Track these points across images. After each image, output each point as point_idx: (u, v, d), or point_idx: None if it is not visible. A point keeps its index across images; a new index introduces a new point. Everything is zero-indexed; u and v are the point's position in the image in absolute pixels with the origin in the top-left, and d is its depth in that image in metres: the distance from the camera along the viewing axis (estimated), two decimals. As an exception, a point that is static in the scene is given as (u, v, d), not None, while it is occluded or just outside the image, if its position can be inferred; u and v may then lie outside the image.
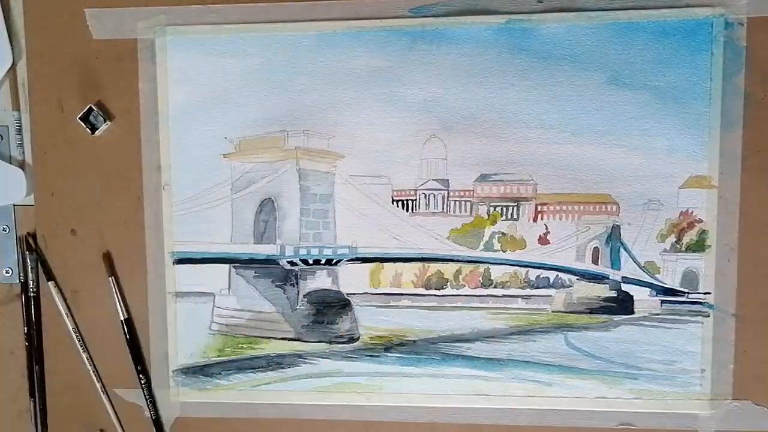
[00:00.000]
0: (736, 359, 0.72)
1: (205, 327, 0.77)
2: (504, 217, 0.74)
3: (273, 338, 0.77)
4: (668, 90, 0.70)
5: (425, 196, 0.74)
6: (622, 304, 0.73)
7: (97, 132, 0.75)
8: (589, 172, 0.72)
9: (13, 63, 0.76)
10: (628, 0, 0.70)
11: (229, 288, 0.77)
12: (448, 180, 0.73)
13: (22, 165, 0.77)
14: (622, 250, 0.73)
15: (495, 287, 0.74)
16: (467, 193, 0.74)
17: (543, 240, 0.74)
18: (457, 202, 0.74)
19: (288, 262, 0.76)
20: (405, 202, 0.74)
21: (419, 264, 0.75)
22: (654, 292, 0.73)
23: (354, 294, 0.76)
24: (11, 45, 0.76)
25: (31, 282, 0.77)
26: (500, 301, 0.74)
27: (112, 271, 0.77)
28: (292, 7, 0.73)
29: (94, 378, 0.78)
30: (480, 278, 0.74)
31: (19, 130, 0.77)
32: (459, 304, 0.75)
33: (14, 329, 0.79)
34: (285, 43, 0.73)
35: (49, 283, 0.77)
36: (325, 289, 0.76)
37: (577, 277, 0.74)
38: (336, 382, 0.76)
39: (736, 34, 0.69)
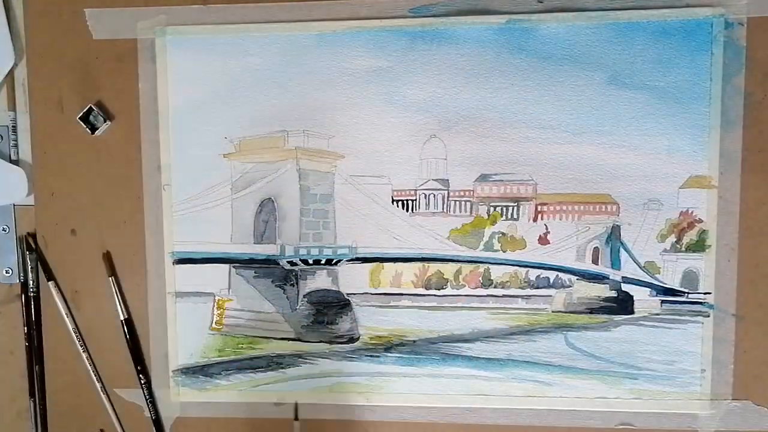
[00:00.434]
0: (736, 359, 0.72)
1: (205, 327, 0.77)
2: (504, 217, 0.74)
3: (273, 338, 0.77)
4: (668, 90, 0.70)
5: (425, 196, 0.74)
6: (622, 304, 0.73)
7: (97, 132, 0.75)
8: (589, 172, 0.72)
9: (14, 63, 0.76)
10: (628, 0, 0.70)
11: (229, 288, 0.77)
12: (448, 180, 0.73)
13: (17, 165, 0.77)
14: (622, 250, 0.73)
15: (495, 287, 0.74)
16: (467, 193, 0.74)
17: (543, 240, 0.74)
18: (457, 202, 0.74)
19: (288, 262, 0.76)
20: (405, 202, 0.74)
21: (419, 264, 0.75)
22: (654, 292, 0.73)
23: (354, 294, 0.76)
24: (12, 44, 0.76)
25: (31, 282, 0.77)
26: (500, 301, 0.74)
27: (112, 271, 0.77)
28: (292, 7, 0.73)
29: (94, 378, 0.78)
30: (480, 278, 0.74)
31: (15, 130, 0.77)
32: (459, 304, 0.75)
33: (14, 329, 0.79)
34: (285, 43, 0.73)
35: (49, 283, 0.77)
36: (325, 289, 0.76)
37: (577, 277, 0.74)
38: (336, 382, 0.76)
39: (736, 34, 0.69)
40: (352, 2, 0.72)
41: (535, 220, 0.73)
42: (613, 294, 0.74)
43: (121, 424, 0.79)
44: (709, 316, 0.72)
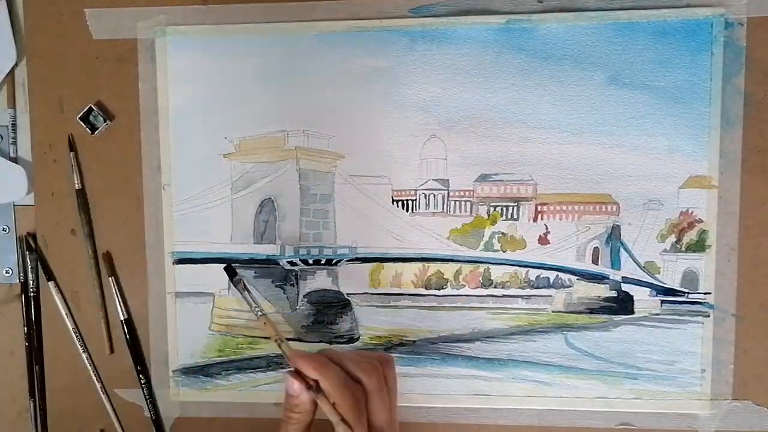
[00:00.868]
0: (736, 359, 0.72)
1: (205, 327, 0.77)
2: (504, 217, 0.74)
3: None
4: (668, 90, 0.70)
5: (425, 196, 0.74)
6: (622, 304, 0.73)
7: (97, 132, 0.75)
8: (589, 172, 0.72)
9: (15, 62, 0.76)
10: (628, 0, 0.70)
11: (229, 288, 0.77)
12: (448, 180, 0.73)
13: (16, 163, 0.77)
14: (622, 250, 0.73)
15: (495, 287, 0.74)
16: (467, 193, 0.74)
17: (543, 240, 0.74)
18: (457, 202, 0.74)
19: (288, 262, 0.76)
20: (405, 202, 0.74)
21: (419, 264, 0.75)
22: (654, 292, 0.73)
23: (354, 294, 0.76)
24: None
25: (31, 282, 0.77)
26: (500, 301, 0.74)
27: (112, 271, 0.77)
28: (292, 7, 0.73)
29: (94, 378, 0.78)
30: (480, 278, 0.74)
31: (15, 129, 0.77)
32: (459, 304, 0.75)
33: (14, 329, 0.79)
34: (285, 43, 0.73)
35: (49, 283, 0.77)
36: (325, 289, 0.76)
37: (577, 277, 0.74)
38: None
39: (736, 34, 0.69)
40: (352, 2, 0.72)
41: (535, 220, 0.73)
42: (613, 294, 0.74)
43: (121, 424, 0.79)
44: (709, 316, 0.72)
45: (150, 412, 0.78)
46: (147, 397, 0.77)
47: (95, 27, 0.74)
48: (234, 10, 0.73)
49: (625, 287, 0.74)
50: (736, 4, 0.68)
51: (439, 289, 0.75)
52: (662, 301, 0.73)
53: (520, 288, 0.74)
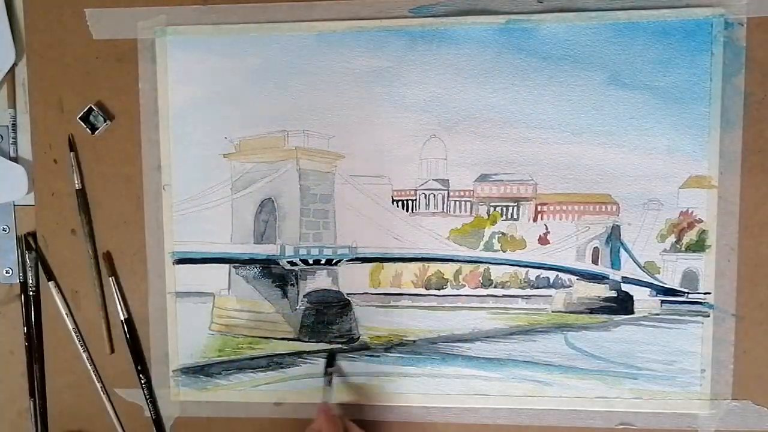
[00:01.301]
0: (736, 359, 0.72)
1: (205, 327, 0.77)
2: (504, 217, 0.74)
3: (273, 338, 0.77)
4: (668, 90, 0.70)
5: (425, 196, 0.74)
6: (622, 304, 0.73)
7: (97, 132, 0.75)
8: (589, 172, 0.72)
9: (14, 62, 0.76)
10: (628, 0, 0.70)
11: (229, 288, 0.77)
12: (448, 180, 0.73)
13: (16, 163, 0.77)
14: (622, 250, 0.73)
15: (495, 287, 0.74)
16: (467, 193, 0.74)
17: (543, 240, 0.74)
18: (457, 202, 0.74)
19: (288, 262, 0.76)
20: (405, 202, 0.74)
21: (419, 264, 0.75)
22: (654, 292, 0.73)
23: (354, 294, 0.76)
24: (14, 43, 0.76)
25: (31, 282, 0.77)
26: (500, 301, 0.74)
27: (112, 271, 0.77)
28: (292, 7, 0.73)
29: (94, 378, 0.78)
30: (480, 278, 0.74)
31: (15, 128, 0.77)
32: (459, 304, 0.75)
33: (14, 329, 0.79)
34: (285, 43, 0.73)
35: (49, 283, 0.77)
36: (325, 289, 0.76)
37: (577, 277, 0.74)
38: (336, 382, 0.76)
39: (736, 34, 0.69)
40: (352, 2, 0.72)
41: (535, 220, 0.73)
42: (613, 294, 0.74)
43: (121, 424, 0.79)
44: (709, 316, 0.72)
45: (150, 412, 0.78)
46: (147, 397, 0.77)
47: (95, 27, 0.74)
48: (234, 10, 0.73)
49: (625, 287, 0.74)
50: (736, 4, 0.68)
51: (439, 289, 0.75)
52: (662, 301, 0.73)
53: (520, 288, 0.74)
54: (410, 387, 0.76)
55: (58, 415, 0.79)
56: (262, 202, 0.76)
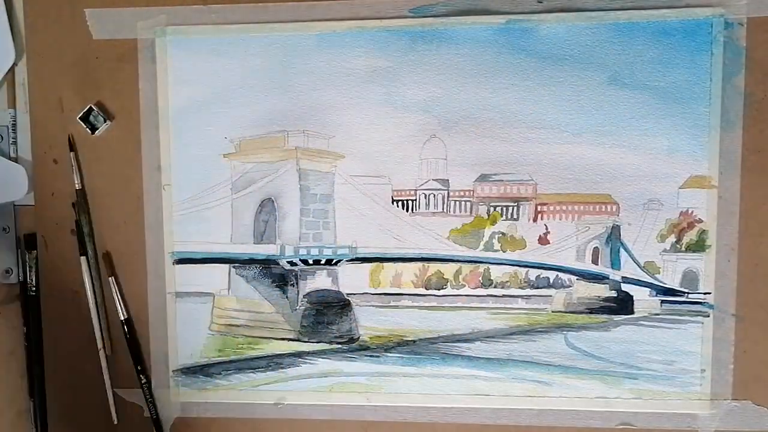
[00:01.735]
0: (736, 359, 0.72)
1: (205, 327, 0.77)
2: (504, 217, 0.74)
3: (273, 338, 0.77)
4: (668, 90, 0.70)
5: (425, 196, 0.74)
6: (622, 304, 0.73)
7: (97, 132, 0.75)
8: (589, 172, 0.72)
9: (14, 62, 0.76)
10: (628, 0, 0.70)
11: (228, 288, 0.77)
12: (448, 180, 0.73)
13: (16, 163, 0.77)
14: (622, 250, 0.73)
15: (495, 287, 0.74)
16: (467, 193, 0.74)
17: (543, 240, 0.74)
18: (457, 202, 0.74)
19: (288, 262, 0.76)
20: (405, 202, 0.74)
21: (419, 264, 0.75)
22: (654, 292, 0.73)
23: (354, 294, 0.76)
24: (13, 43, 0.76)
25: (31, 282, 0.77)
26: (500, 301, 0.74)
27: (112, 271, 0.77)
28: (292, 7, 0.73)
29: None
30: (480, 278, 0.74)
31: (15, 128, 0.77)
32: (459, 304, 0.75)
33: (14, 329, 0.79)
34: (285, 43, 0.73)
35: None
36: (325, 289, 0.76)
37: (577, 277, 0.74)
38: (336, 382, 0.76)
39: (736, 34, 0.69)
40: (352, 2, 0.72)
41: (535, 220, 0.73)
42: (613, 294, 0.74)
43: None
44: (708, 316, 0.72)
45: (150, 412, 0.78)
46: (147, 397, 0.77)
47: (95, 27, 0.74)
48: (234, 10, 0.73)
49: (625, 287, 0.74)
50: (736, 4, 0.68)
51: (439, 289, 0.75)
52: (662, 301, 0.73)
53: (520, 288, 0.74)
54: (410, 387, 0.76)
55: (58, 415, 0.79)
56: (262, 202, 0.76)
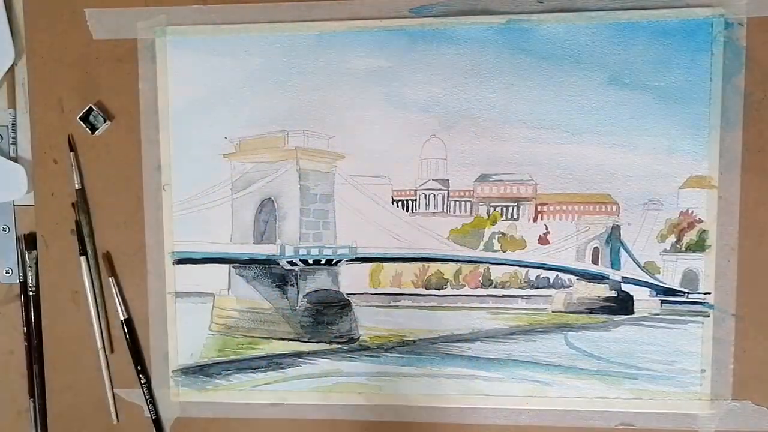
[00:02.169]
0: (736, 359, 0.72)
1: (205, 327, 0.77)
2: (504, 217, 0.74)
3: (273, 338, 0.77)
4: (668, 90, 0.70)
5: (425, 196, 0.74)
6: (622, 304, 0.73)
7: (97, 132, 0.75)
8: (589, 172, 0.72)
9: (13, 62, 0.76)
10: (628, 0, 0.70)
11: (228, 288, 0.77)
12: (448, 180, 0.73)
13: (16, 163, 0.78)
14: (622, 250, 0.73)
15: (495, 287, 0.74)
16: (467, 193, 0.74)
17: (543, 240, 0.74)
18: (457, 202, 0.74)
19: (288, 262, 0.76)
20: (405, 202, 0.74)
21: (419, 264, 0.75)
22: (654, 292, 0.73)
23: (354, 294, 0.76)
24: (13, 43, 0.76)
25: (31, 282, 0.77)
26: (500, 301, 0.74)
27: (112, 271, 0.77)
28: (292, 7, 0.73)
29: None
30: (480, 278, 0.74)
31: (15, 128, 0.77)
32: (459, 304, 0.75)
33: (14, 329, 0.79)
34: (285, 43, 0.73)
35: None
36: (325, 289, 0.76)
37: (577, 277, 0.74)
38: (336, 382, 0.76)
39: (736, 34, 0.69)
40: (352, 2, 0.72)
41: (535, 220, 0.73)
42: (613, 294, 0.74)
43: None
44: (709, 316, 0.72)
45: (150, 412, 0.78)
46: (147, 397, 0.77)
47: (95, 27, 0.74)
48: (234, 10, 0.73)
49: (625, 287, 0.74)
50: (736, 4, 0.68)
51: (439, 289, 0.75)
52: (662, 301, 0.73)
53: (520, 288, 0.74)
54: (410, 387, 0.76)
55: (58, 415, 0.79)
56: (262, 202, 0.76)
